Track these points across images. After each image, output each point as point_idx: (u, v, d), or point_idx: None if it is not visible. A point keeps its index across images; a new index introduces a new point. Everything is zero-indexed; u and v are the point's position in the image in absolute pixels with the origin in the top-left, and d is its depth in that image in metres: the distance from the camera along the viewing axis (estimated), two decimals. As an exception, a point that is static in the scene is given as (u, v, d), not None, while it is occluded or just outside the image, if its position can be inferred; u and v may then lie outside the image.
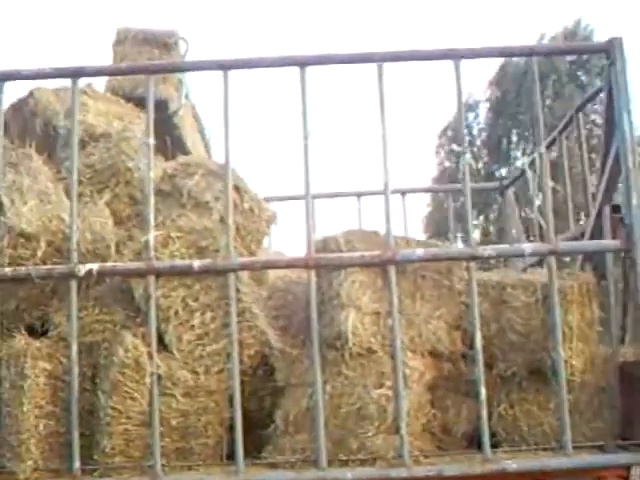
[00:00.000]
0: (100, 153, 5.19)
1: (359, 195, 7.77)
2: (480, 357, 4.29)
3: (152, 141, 4.53)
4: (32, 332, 4.66)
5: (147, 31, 6.95)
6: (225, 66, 4.58)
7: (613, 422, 4.67)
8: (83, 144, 5.40)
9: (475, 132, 35.74)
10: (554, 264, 4.35)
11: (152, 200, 4.47)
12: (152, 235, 4.42)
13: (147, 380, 4.33)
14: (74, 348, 4.37)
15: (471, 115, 36.13)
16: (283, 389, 4.65)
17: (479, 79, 33.99)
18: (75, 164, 4.50)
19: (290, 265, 4.66)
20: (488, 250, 4.47)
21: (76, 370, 4.35)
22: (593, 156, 7.03)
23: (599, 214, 4.91)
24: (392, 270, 4.34)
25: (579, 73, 34.05)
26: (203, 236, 4.61)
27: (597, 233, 4.94)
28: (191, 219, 4.75)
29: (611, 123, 4.68)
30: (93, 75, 4.85)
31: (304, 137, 4.41)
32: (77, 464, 4.31)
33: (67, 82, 4.78)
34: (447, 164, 30.64)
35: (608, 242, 4.62)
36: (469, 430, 4.77)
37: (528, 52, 4.51)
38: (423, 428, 4.53)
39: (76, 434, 4.31)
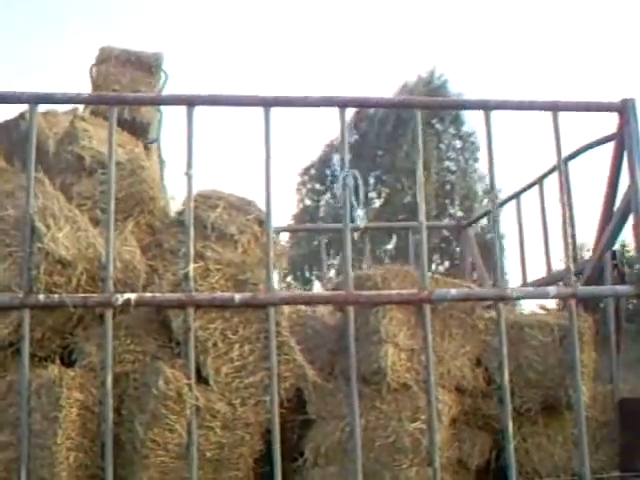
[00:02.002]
0: (116, 181, 5.32)
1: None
2: (507, 394, 4.69)
3: (193, 172, 4.75)
4: (54, 362, 4.74)
5: (131, 52, 7.09)
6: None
7: (613, 454, 5.23)
8: (90, 171, 5.56)
9: (337, 173, 37.27)
10: (574, 307, 4.86)
11: (192, 232, 4.67)
12: (192, 267, 4.64)
13: (187, 412, 4.52)
14: (109, 379, 4.46)
15: (336, 157, 37.95)
16: (313, 422, 4.93)
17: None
18: (112, 192, 4.63)
19: (330, 301, 4.96)
20: (516, 292, 4.94)
21: (111, 401, 4.46)
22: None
23: (599, 259, 5.48)
24: (427, 308, 4.72)
25: (434, 121, 36.34)
26: (242, 269, 4.85)
27: (594, 277, 5.50)
28: (220, 251, 4.98)
29: (617, 174, 5.28)
30: (133, 104, 4.99)
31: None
32: (110, 497, 4.43)
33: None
34: (308, 202, 31.75)
35: (623, 288, 5.16)
36: (482, 463, 5.21)
37: (551, 107, 5.01)
38: (448, 461, 4.92)
39: (110, 468, 4.43)
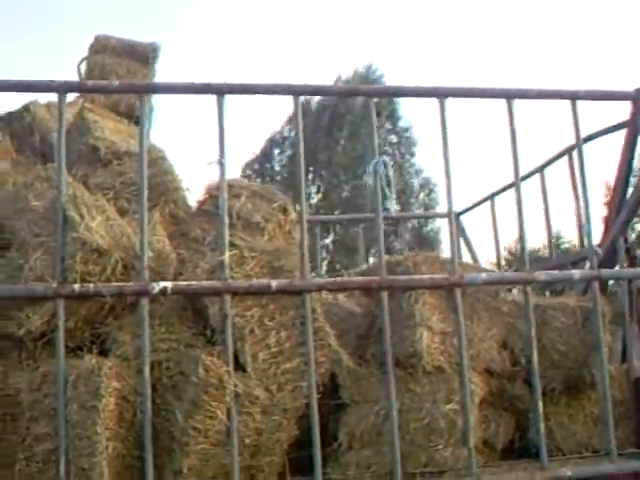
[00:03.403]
0: (134, 172, 5.37)
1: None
2: (537, 375, 4.94)
3: (225, 161, 4.86)
4: (90, 351, 4.81)
5: (127, 42, 7.14)
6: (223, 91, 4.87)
7: (630, 432, 5.51)
8: (105, 162, 5.62)
9: (277, 168, 37.78)
10: (598, 288, 5.13)
11: (226, 220, 4.79)
12: (227, 254, 4.75)
13: (227, 399, 4.63)
14: (147, 368, 4.55)
15: (276, 151, 38.35)
16: (347, 406, 5.09)
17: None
18: (144, 182, 4.72)
19: (364, 286, 5.11)
20: (543, 275, 5.18)
21: (149, 390, 4.55)
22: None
23: (612, 244, 5.76)
24: (458, 292, 4.92)
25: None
26: (276, 256, 4.98)
27: (607, 261, 5.77)
28: (249, 239, 5.10)
29: (630, 160, 5.56)
30: (163, 92, 5.06)
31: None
32: (151, 485, 4.51)
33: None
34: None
35: (644, 270, 5.46)
36: (506, 443, 5.44)
37: (570, 96, 5.26)
38: (479, 441, 5.13)
39: (150, 456, 4.52)
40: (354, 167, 35.70)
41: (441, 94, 5.04)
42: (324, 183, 35.40)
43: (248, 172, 34.67)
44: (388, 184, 5.07)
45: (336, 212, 30.17)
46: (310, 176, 33.86)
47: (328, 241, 32.27)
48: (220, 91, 4.80)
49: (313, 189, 33.30)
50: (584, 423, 5.44)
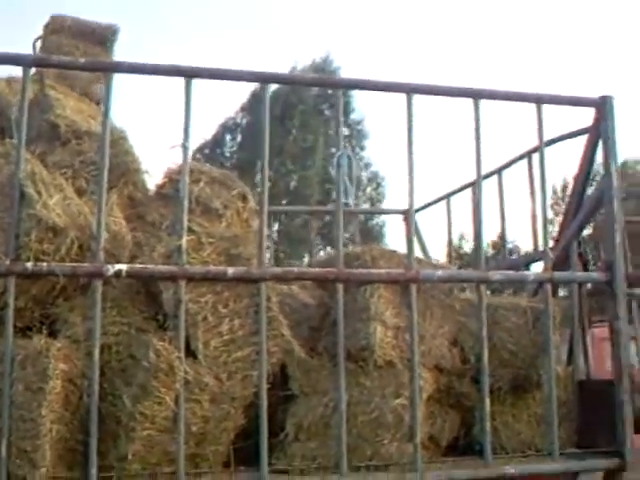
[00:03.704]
0: (94, 152, 5.30)
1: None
2: (485, 373, 5.02)
3: (189, 145, 4.83)
4: (39, 332, 4.74)
5: (85, 23, 6.98)
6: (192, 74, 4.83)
7: (572, 432, 5.64)
8: (65, 141, 5.53)
9: (228, 154, 37.82)
10: (550, 291, 5.23)
11: (186, 205, 4.76)
12: (185, 239, 4.72)
13: (177, 385, 4.62)
14: (96, 351, 4.52)
15: (228, 137, 38.33)
16: (296, 397, 5.11)
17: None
18: (105, 162, 4.65)
19: (321, 278, 5.12)
20: (497, 275, 5.26)
21: (97, 374, 4.50)
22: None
23: (565, 247, 5.86)
24: (414, 288, 4.97)
25: (323, 107, 37.21)
26: (234, 243, 4.97)
27: (560, 262, 5.87)
28: (207, 225, 5.08)
29: (589, 166, 5.67)
30: (130, 72, 4.96)
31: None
32: (94, 470, 4.47)
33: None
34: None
35: (596, 274, 5.57)
36: (451, 440, 5.53)
37: (535, 99, 5.33)
38: (425, 437, 5.20)
39: (95, 440, 4.47)
40: (303, 157, 35.85)
41: (410, 90, 5.06)
42: (272, 172, 35.53)
43: (198, 157, 34.49)
44: (350, 178, 5.09)
45: (283, 202, 30.32)
46: (259, 164, 33.87)
47: (273, 230, 32.44)
48: (189, 74, 4.76)
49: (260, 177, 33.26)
50: (528, 422, 5.56)
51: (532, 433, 5.55)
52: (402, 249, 5.53)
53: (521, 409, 5.59)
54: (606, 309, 5.42)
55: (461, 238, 30.88)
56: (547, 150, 5.54)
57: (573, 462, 5.30)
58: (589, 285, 7.06)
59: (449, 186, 7.86)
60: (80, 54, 6.63)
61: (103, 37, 6.92)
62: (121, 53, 6.92)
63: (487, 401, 5.02)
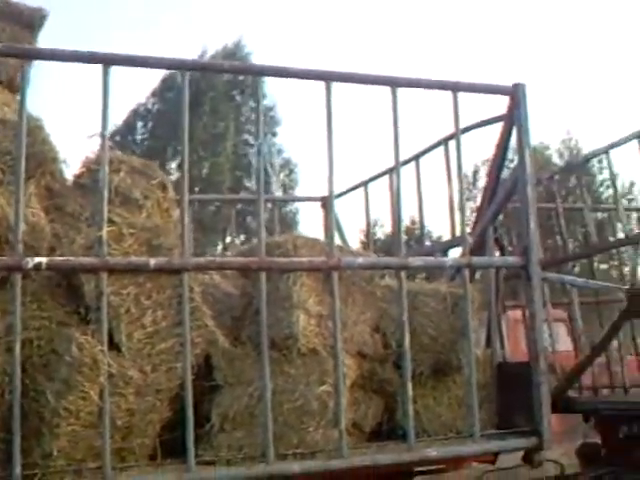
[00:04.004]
0: (9, 141, 5.19)
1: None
2: (407, 358, 5.17)
3: (107, 134, 4.79)
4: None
5: (11, 4, 6.77)
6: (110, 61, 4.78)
7: (492, 414, 5.84)
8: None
9: (139, 141, 37.52)
10: (468, 275, 5.39)
11: (105, 195, 4.72)
12: (105, 230, 4.68)
13: (101, 379, 4.60)
14: (17, 346, 4.42)
15: (139, 124, 37.95)
16: (220, 388, 5.15)
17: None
18: (22, 152, 4.56)
19: (244, 267, 5.15)
20: (417, 261, 5.39)
21: (19, 369, 4.44)
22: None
23: (482, 233, 6.04)
24: (336, 276, 5.05)
25: (234, 93, 37.23)
26: (155, 234, 4.97)
27: (477, 248, 6.05)
28: (127, 216, 5.05)
29: (503, 153, 5.85)
30: (48, 59, 4.85)
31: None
32: (18, 470, 4.38)
33: None
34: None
35: (512, 258, 5.76)
36: (374, 425, 5.66)
37: (452, 87, 5.46)
38: (349, 423, 5.30)
39: (18, 438, 4.38)
40: (214, 144, 35.68)
41: (329, 78, 5.13)
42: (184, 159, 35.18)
43: (111, 145, 34.01)
44: (272, 166, 5.13)
45: (195, 189, 30.14)
46: (170, 152, 33.67)
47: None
48: (107, 61, 4.71)
49: (173, 164, 32.99)
50: (449, 405, 5.75)
51: (453, 416, 5.74)
52: (318, 236, 5.64)
53: (442, 392, 5.78)
54: (520, 293, 5.61)
55: (375, 224, 31.28)
56: (461, 137, 5.69)
57: (493, 443, 5.49)
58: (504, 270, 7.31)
59: (366, 173, 7.98)
60: (7, 38, 6.45)
61: (31, 21, 6.71)
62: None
63: (409, 386, 5.15)
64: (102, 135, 4.73)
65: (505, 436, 5.56)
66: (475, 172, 37.65)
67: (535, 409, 5.42)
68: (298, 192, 38.67)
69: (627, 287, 8.04)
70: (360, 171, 8.19)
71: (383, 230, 32.24)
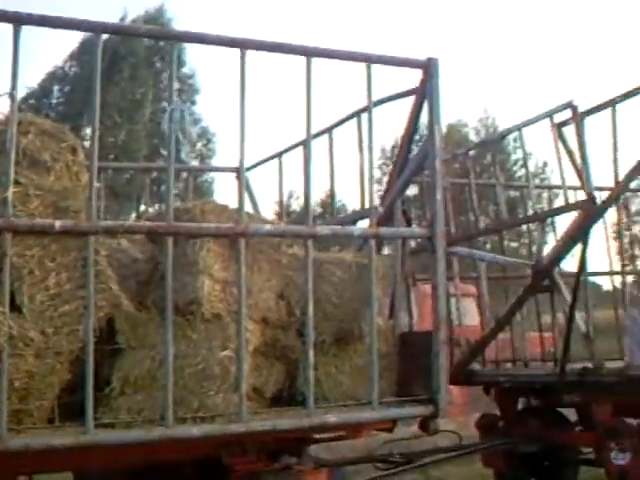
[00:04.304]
0: None
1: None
2: (310, 326, 5.27)
3: (17, 93, 4.73)
4: None
5: None
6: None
7: (392, 383, 6.01)
8: None
9: (54, 105, 36.76)
10: (374, 245, 5.52)
11: (12, 156, 4.66)
12: (11, 191, 4.64)
13: (1, 341, 4.57)
14: None
15: (56, 87, 37.16)
16: (123, 351, 5.18)
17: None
18: None
19: (151, 231, 5.17)
20: (325, 230, 5.49)
21: None
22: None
23: (390, 205, 6.17)
24: (242, 242, 5.11)
25: (155, 59, 36.78)
26: (63, 196, 4.93)
27: (385, 219, 6.18)
28: (34, 178, 4.99)
29: (414, 126, 5.98)
30: None
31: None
32: None
33: None
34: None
35: (419, 230, 5.92)
36: (276, 391, 5.77)
37: (365, 59, 5.53)
38: (250, 389, 5.40)
39: None
40: (131, 111, 35.15)
41: (243, 46, 5.14)
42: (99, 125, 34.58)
43: (23, 107, 33.18)
44: (183, 133, 5.15)
45: (110, 156, 29.71)
46: (86, 117, 33.07)
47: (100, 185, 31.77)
48: (18, 20, 4.65)
49: (89, 130, 32.45)
50: (350, 374, 5.90)
51: (354, 384, 5.89)
52: (232, 206, 5.67)
53: (344, 361, 5.92)
54: (429, 266, 5.76)
55: (290, 196, 31.45)
56: (377, 110, 5.79)
57: (391, 410, 5.67)
58: (414, 244, 7.49)
59: (281, 144, 8.03)
60: None
61: None
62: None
63: (311, 353, 5.27)
64: (11, 95, 4.68)
65: (403, 404, 5.74)
66: (394, 147, 38.02)
67: (433, 378, 5.60)
68: (215, 162, 38.57)
69: (532, 263, 8.36)
70: (279, 142, 8.24)
71: (299, 202, 32.47)
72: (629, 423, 7.51)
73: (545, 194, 14.24)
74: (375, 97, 5.78)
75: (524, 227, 9.98)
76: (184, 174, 9.84)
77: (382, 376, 5.76)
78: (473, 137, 41.63)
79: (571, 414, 8.53)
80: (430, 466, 8.28)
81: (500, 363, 9.35)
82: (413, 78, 5.89)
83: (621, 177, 7.69)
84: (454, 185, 10.17)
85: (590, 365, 7.67)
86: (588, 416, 7.85)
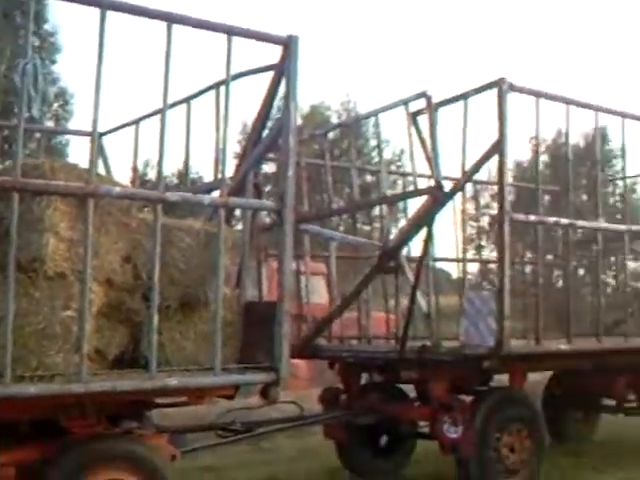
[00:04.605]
0: None
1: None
2: (156, 290, 5.30)
3: None
4: None
5: None
6: None
7: (235, 350, 6.13)
8: None
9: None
10: (223, 215, 5.61)
11: None
12: None
13: None
14: None
15: None
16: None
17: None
18: None
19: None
20: (175, 196, 5.54)
21: None
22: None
23: (243, 177, 6.28)
24: (91, 203, 5.10)
25: (16, 13, 35.69)
26: None
27: (237, 191, 6.28)
28: None
29: (271, 102, 6.10)
30: None
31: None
32: None
33: None
34: None
35: (268, 202, 6.04)
36: (118, 353, 5.79)
37: (226, 30, 5.55)
38: (92, 350, 5.40)
39: None
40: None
41: (102, 5, 5.10)
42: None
43: None
44: (35, 88, 5.07)
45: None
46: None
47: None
48: None
49: None
50: (195, 340, 5.97)
51: (197, 350, 5.97)
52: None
53: (188, 327, 5.99)
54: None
55: (146, 165, 31.13)
56: (239, 85, 5.88)
57: (233, 376, 5.79)
58: (267, 220, 7.66)
59: (140, 111, 7.97)
60: None
61: None
62: None
63: (155, 317, 5.32)
64: None
65: (245, 371, 5.88)
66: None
67: (275, 346, 5.76)
68: (73, 125, 37.42)
69: (379, 244, 8.68)
70: (138, 108, 8.17)
71: (155, 172, 32.02)
72: (462, 399, 7.96)
73: (400, 181, 14.66)
74: (237, 71, 5.87)
75: (377, 211, 10.29)
76: (37, 135, 9.63)
77: (226, 343, 5.87)
78: (335, 120, 42.32)
79: (411, 391, 8.95)
80: (263, 437, 8.49)
81: (345, 339, 9.68)
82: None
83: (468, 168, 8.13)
84: (310, 165, 10.40)
85: (429, 343, 8.07)
86: (425, 392, 8.25)
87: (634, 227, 9.43)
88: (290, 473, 9.04)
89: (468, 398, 8.08)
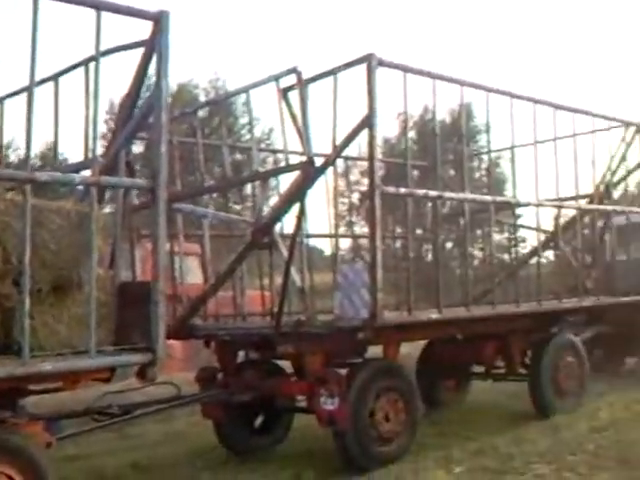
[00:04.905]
0: None
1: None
2: (27, 274, 5.14)
3: None
4: None
5: None
6: None
7: (109, 332, 6.07)
8: None
9: None
10: (95, 194, 5.53)
11: None
12: None
13: None
14: None
15: None
16: None
17: None
18: None
19: None
20: (44, 176, 5.40)
21: None
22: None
23: (115, 156, 6.18)
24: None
25: None
26: None
27: (108, 171, 6.18)
28: None
29: (141, 78, 6.02)
30: None
31: None
32: None
33: None
34: None
35: (140, 181, 5.96)
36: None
37: (94, 5, 5.44)
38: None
39: None
40: None
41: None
42: None
43: None
44: None
45: None
46: None
47: None
48: None
49: None
50: (68, 323, 5.88)
51: (71, 333, 5.88)
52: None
53: (61, 310, 5.89)
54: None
55: (8, 147, 30.24)
56: (108, 62, 5.75)
57: (109, 358, 5.73)
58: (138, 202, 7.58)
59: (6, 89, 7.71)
60: None
61: None
62: None
63: (27, 302, 5.20)
64: None
65: (121, 352, 5.83)
66: (125, 102, 37.28)
67: (152, 327, 5.73)
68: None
69: (252, 221, 8.74)
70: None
71: (17, 154, 31.52)
72: (337, 372, 8.11)
73: (270, 159, 14.76)
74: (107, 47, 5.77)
75: (248, 190, 10.36)
76: None
77: (100, 325, 5.81)
78: (203, 98, 41.94)
79: (288, 367, 9.05)
80: (127, 423, 8.40)
81: (220, 317, 9.70)
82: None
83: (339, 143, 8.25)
84: (182, 144, 10.33)
85: (303, 318, 8.19)
86: (302, 367, 8.37)
87: (499, 198, 9.82)
88: (153, 458, 8.92)
89: (344, 371, 8.24)
